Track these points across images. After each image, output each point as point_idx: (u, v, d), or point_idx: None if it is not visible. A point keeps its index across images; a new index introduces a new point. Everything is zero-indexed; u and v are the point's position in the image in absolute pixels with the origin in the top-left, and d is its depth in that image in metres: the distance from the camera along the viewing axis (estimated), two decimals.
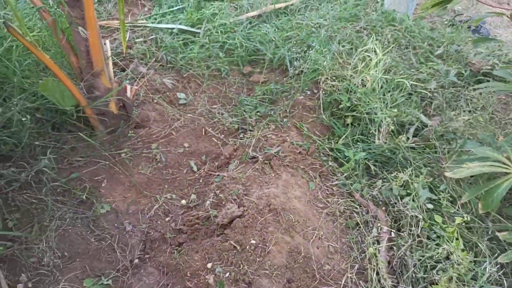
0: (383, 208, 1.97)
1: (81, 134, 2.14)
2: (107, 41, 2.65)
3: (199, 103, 2.59)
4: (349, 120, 2.37)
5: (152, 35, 2.97)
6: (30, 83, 2.02)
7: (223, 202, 1.96)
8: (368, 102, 2.31)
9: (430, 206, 1.88)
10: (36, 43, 1.87)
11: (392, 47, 2.75)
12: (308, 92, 2.54)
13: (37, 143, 2.06)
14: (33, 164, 2.00)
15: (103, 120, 2.20)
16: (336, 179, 2.14)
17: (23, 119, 1.98)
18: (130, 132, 2.33)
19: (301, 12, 3.20)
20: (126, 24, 3.07)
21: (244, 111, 2.53)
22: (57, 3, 1.87)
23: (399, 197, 1.95)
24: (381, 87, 2.44)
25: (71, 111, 2.12)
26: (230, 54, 2.86)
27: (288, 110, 2.47)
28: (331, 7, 3.20)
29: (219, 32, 2.91)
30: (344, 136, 2.30)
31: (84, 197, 2.01)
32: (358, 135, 2.30)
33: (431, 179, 1.98)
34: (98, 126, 2.22)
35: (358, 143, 2.26)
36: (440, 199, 1.89)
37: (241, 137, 2.40)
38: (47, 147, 2.09)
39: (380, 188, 2.02)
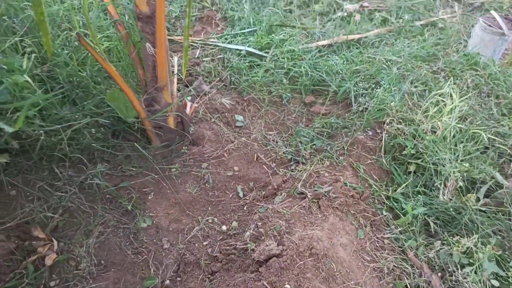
0: (439, 274, 1.76)
1: (136, 145, 2.19)
2: (176, 57, 2.72)
3: (255, 127, 2.55)
4: (412, 168, 2.18)
5: (220, 54, 3.01)
6: (99, 90, 2.11)
7: (263, 237, 1.88)
8: (436, 151, 2.10)
9: (495, 283, 1.63)
10: (107, 54, 1.95)
11: (472, 94, 2.51)
12: (370, 132, 2.39)
13: (95, 145, 2.14)
14: (89, 167, 2.07)
15: (159, 133, 2.23)
16: (389, 232, 1.96)
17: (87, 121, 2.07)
18: (183, 148, 2.35)
19: (374, 46, 3.06)
20: (197, 41, 3.15)
21: (300, 142, 2.44)
22: (133, 17, 1.94)
23: (459, 265, 1.72)
24: (453, 137, 2.22)
25: (131, 122, 2.18)
26: (294, 82, 2.80)
27: (346, 148, 2.34)
28: (408, 43, 3.03)
29: (286, 58, 2.87)
30: (404, 185, 2.11)
31: (129, 208, 2.03)
32: (420, 186, 2.10)
33: (501, 251, 1.73)
34: (154, 139, 2.26)
35: (419, 195, 2.06)
36: (509, 277, 1.64)
37: (292, 169, 2.31)
38: (104, 152, 2.17)
39: (438, 250, 1.80)
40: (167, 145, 2.30)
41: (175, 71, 2.41)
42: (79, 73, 2.12)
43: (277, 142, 2.48)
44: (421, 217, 1.95)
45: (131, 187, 2.12)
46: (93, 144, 2.12)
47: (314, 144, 2.40)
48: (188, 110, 2.39)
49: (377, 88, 2.53)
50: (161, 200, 2.12)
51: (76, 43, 2.05)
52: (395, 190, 2.12)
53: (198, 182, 2.23)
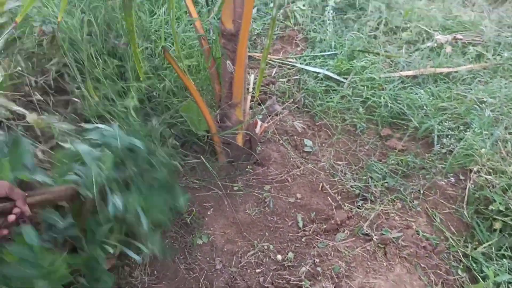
0: None
1: (202, 158, 2.19)
2: (252, 75, 2.72)
3: (324, 155, 2.44)
4: (497, 226, 1.92)
5: (297, 75, 2.96)
6: (175, 101, 2.15)
7: (319, 277, 1.75)
8: None
9: None
10: (187, 68, 1.99)
11: None
12: (452, 178, 2.16)
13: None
14: None
15: (226, 149, 2.22)
16: None
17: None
18: (248, 167, 2.31)
19: (465, 83, 2.80)
20: (275, 60, 3.13)
21: (370, 177, 2.28)
22: (217, 34, 1.96)
23: None
24: None
25: (202, 135, 2.19)
26: (371, 112, 2.65)
27: (422, 192, 2.13)
28: (505, 84, 2.73)
29: (365, 86, 2.74)
30: (487, 244, 1.86)
31: (188, 221, 2.03)
32: (507, 248, 1.84)
33: None
34: (221, 154, 2.25)
35: (504, 259, 1.80)
36: None
37: (359, 205, 2.16)
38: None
39: None
40: (233, 162, 2.28)
41: (250, 89, 2.39)
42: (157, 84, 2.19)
43: (345, 173, 2.34)
44: (504, 286, 1.70)
45: (193, 199, 2.12)
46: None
47: (386, 182, 2.23)
48: (258, 129, 2.36)
49: (465, 131, 2.30)
50: (219, 218, 2.09)
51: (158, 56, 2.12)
52: (475, 249, 1.88)
53: (258, 204, 2.17)
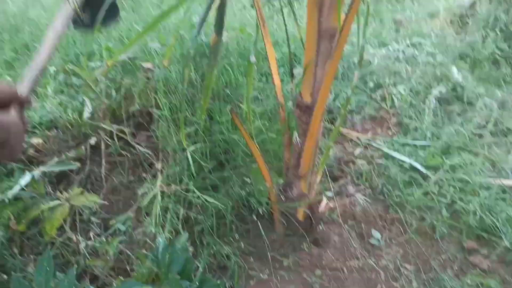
0: None
1: (259, 224, 2.14)
2: (332, 149, 2.65)
3: (390, 253, 2.19)
4: None
5: (380, 159, 2.80)
6: (244, 164, 2.18)
7: None
8: None
9: None
10: (254, 131, 2.02)
11: None
12: None
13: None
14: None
15: (284, 222, 2.14)
16: None
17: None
18: (304, 244, 2.18)
19: None
20: (362, 140, 3.02)
21: None
22: (294, 105, 1.97)
23: None
24: None
25: (264, 201, 2.16)
26: (456, 217, 2.34)
27: None
28: None
29: (455, 188, 2.45)
30: None
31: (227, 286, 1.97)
32: None
33: None
34: (278, 225, 2.18)
35: None
36: None
37: None
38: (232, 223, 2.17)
39: None
40: (289, 235, 2.19)
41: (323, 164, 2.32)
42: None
43: (411, 281, 2.06)
44: None
45: (239, 264, 2.06)
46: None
47: None
48: (322, 207, 2.25)
49: None
50: None
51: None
52: None
53: None
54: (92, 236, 1.91)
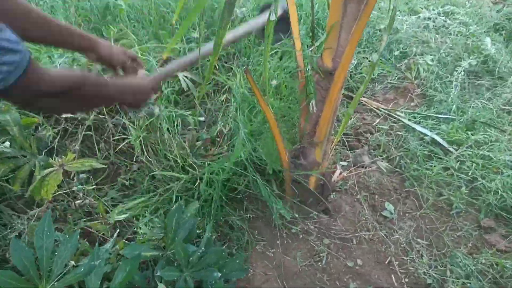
0: None
1: (269, 192, 2.10)
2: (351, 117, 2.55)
3: (403, 228, 2.14)
4: None
5: (400, 131, 2.69)
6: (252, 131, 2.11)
7: None
8: None
9: None
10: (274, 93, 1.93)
11: None
12: None
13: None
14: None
15: (294, 189, 2.09)
16: None
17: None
18: (314, 213, 2.14)
19: None
20: (382, 110, 2.90)
21: (451, 270, 1.91)
22: (313, 69, 1.87)
23: None
24: None
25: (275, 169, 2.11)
26: (475, 195, 2.25)
27: None
28: None
29: (477, 164, 2.34)
30: None
31: (233, 251, 1.96)
32: None
33: None
34: (289, 192, 2.13)
35: None
36: None
37: None
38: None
39: None
40: (299, 202, 2.14)
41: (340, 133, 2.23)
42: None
43: (422, 255, 2.00)
44: None
45: (243, 229, 2.04)
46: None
47: (469, 283, 1.84)
48: (335, 177, 2.18)
49: None
50: (265, 256, 1.97)
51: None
52: None
53: (311, 256, 1.98)
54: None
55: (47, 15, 1.05)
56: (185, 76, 2.15)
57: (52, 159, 1.67)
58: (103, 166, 1.63)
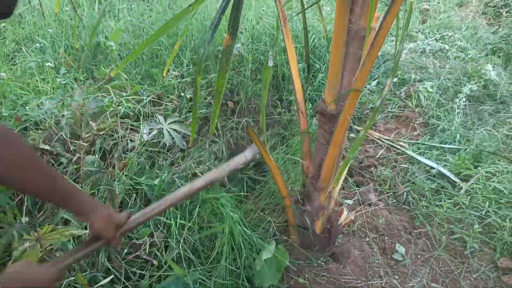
0: None
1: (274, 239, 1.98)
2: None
3: (417, 271, 2.01)
4: None
5: (405, 164, 2.59)
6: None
7: None
8: None
9: None
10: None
11: None
12: None
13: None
14: None
15: (299, 234, 1.98)
16: None
17: None
18: (321, 259, 2.02)
19: None
20: (385, 140, 2.81)
21: None
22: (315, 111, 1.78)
23: None
24: None
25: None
26: (489, 232, 2.14)
27: None
28: None
29: (488, 198, 2.24)
30: None
31: None
32: None
33: None
34: (294, 236, 2.02)
35: None
36: None
37: None
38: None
39: None
40: (305, 247, 2.02)
41: (342, 178, 2.13)
42: None
43: None
44: None
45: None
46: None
47: None
48: (341, 220, 2.07)
49: None
50: None
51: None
52: None
53: None
54: None
55: (53, 171, 0.95)
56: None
57: (36, 222, 1.53)
58: (85, 231, 1.47)
